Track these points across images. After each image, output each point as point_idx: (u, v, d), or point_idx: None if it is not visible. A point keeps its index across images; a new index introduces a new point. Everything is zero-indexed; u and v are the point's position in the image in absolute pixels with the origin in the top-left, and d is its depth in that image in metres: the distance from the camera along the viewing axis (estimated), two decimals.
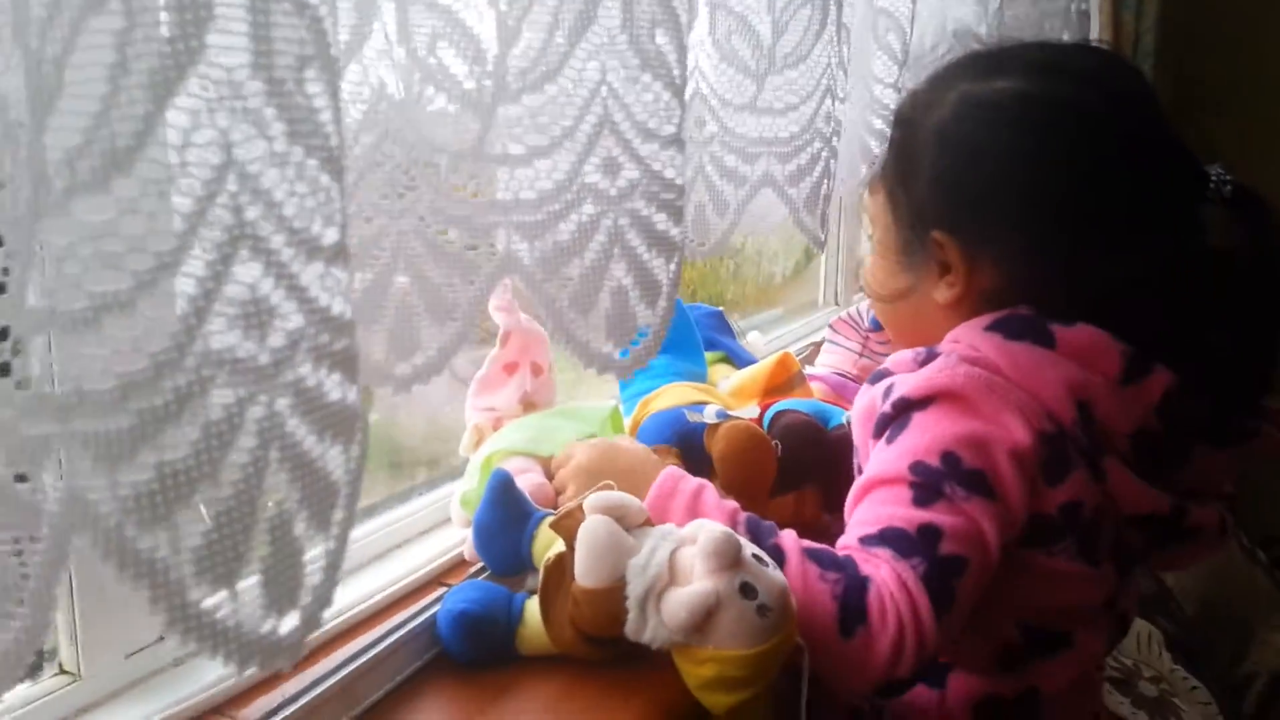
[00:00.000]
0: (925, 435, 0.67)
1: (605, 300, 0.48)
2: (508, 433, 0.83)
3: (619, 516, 0.64)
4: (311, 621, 0.39)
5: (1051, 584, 0.71)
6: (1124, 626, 0.82)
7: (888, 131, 0.76)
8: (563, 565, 0.64)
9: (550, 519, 0.66)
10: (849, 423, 0.97)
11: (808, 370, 1.13)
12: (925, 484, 0.66)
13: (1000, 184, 0.73)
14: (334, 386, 0.38)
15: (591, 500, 0.64)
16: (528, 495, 0.73)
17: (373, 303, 0.43)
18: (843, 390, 1.11)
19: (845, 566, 0.64)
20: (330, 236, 0.37)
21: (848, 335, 1.15)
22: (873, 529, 0.66)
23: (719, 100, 0.63)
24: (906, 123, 0.78)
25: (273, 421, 0.36)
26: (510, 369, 0.89)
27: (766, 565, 0.62)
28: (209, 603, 0.35)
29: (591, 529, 0.62)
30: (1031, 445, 0.66)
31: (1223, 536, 0.74)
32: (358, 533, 0.80)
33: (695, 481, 0.71)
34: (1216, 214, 0.72)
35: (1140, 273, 0.71)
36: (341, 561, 0.42)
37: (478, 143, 0.42)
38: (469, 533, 0.79)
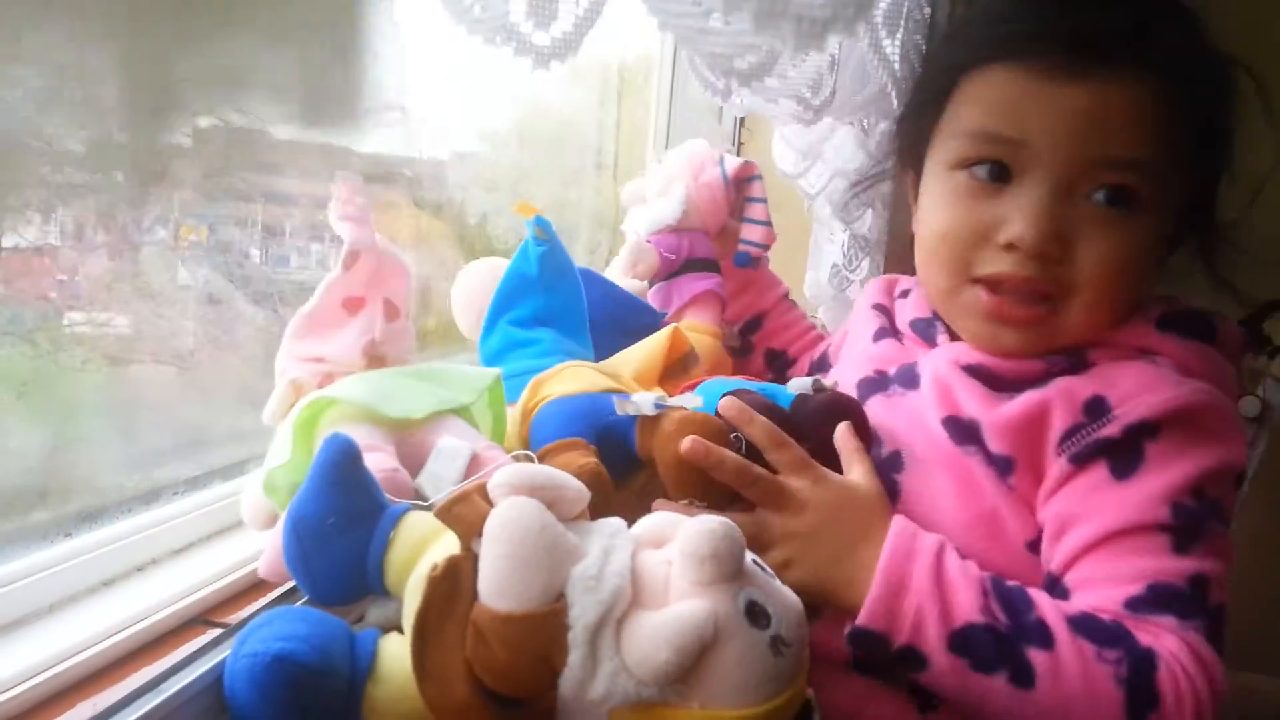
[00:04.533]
0: (1174, 470, 0.55)
1: None
2: (342, 385, 0.57)
3: (549, 501, 0.41)
4: None
5: None
6: None
7: None
8: (456, 578, 0.40)
9: (436, 506, 0.42)
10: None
11: None
12: (1186, 527, 0.54)
13: None
14: None
15: (507, 475, 0.41)
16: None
17: None
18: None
19: (1122, 639, 0.52)
20: None
21: None
22: (1137, 588, 0.53)
23: None
24: None
25: None
26: (353, 306, 0.62)
27: (770, 575, 0.41)
28: None
29: (514, 518, 0.39)
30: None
31: None
32: (78, 548, 0.52)
33: (933, 538, 0.55)
34: None
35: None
36: None
37: None
38: (272, 534, 0.52)
